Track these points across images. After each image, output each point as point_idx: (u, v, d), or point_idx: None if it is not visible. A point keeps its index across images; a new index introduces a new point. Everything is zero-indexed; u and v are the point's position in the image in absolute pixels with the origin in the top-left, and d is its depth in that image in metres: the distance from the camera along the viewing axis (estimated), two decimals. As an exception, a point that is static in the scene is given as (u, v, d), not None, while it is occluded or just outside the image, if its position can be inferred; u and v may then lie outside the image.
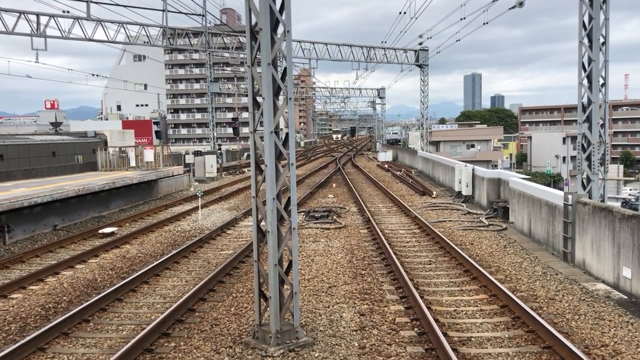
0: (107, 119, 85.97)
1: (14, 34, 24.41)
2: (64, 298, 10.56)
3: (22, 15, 24.65)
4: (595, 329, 8.35)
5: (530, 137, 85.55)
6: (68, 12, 25.84)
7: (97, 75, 45.26)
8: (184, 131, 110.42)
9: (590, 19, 14.64)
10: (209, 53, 39.96)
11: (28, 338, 7.99)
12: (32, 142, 28.69)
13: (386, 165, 45.09)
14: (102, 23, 27.01)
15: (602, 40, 14.79)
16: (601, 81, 14.96)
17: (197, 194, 21.99)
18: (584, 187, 15.30)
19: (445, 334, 7.97)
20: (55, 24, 25.45)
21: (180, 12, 29.99)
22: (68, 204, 19.23)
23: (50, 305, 10.10)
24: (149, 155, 30.01)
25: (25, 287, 11.45)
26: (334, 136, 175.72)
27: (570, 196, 12.48)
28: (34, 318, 9.45)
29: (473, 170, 22.65)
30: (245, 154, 59.94)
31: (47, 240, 16.75)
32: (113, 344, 8.29)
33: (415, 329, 8.51)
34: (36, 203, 16.75)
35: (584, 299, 9.77)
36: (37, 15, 25.11)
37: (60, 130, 46.55)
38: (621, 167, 63.01)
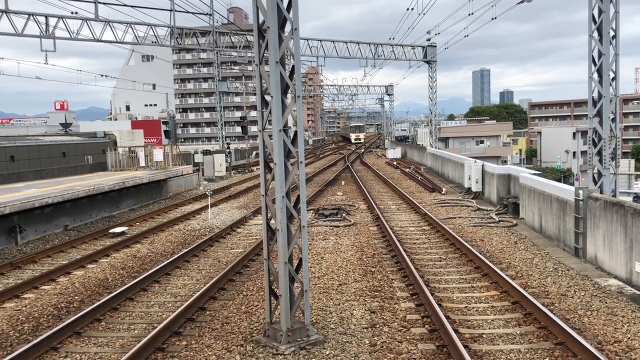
0: (116, 119, 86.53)
1: (23, 36, 24.56)
2: (76, 298, 10.63)
3: (31, 17, 24.80)
4: (608, 325, 8.28)
5: (540, 133, 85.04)
6: (76, 13, 25.98)
7: (106, 76, 45.43)
8: (192, 130, 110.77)
9: (600, 12, 14.54)
10: (217, 52, 40.04)
11: (41, 337, 8.04)
12: (43, 143, 28.86)
13: (395, 162, 44.97)
14: (110, 24, 27.12)
15: (612, 33, 14.69)
16: (612, 75, 14.86)
17: (207, 193, 22.06)
18: (595, 182, 15.19)
19: (456, 331, 7.94)
20: (64, 25, 25.58)
21: (188, 12, 30.10)
22: (79, 204, 19.35)
23: (62, 305, 10.16)
24: (158, 154, 30.14)
25: (37, 287, 11.54)
26: (353, 136, 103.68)
27: (581, 191, 12.38)
28: (47, 318, 9.52)
29: (483, 166, 22.54)
30: (254, 152, 60.05)
31: (59, 240, 16.87)
32: (125, 343, 8.33)
33: (427, 326, 8.48)
34: (47, 203, 16.87)
35: (596, 295, 9.69)
36: (46, 17, 25.23)
37: (70, 131, 46.80)
38: (632, 161, 62.52)
